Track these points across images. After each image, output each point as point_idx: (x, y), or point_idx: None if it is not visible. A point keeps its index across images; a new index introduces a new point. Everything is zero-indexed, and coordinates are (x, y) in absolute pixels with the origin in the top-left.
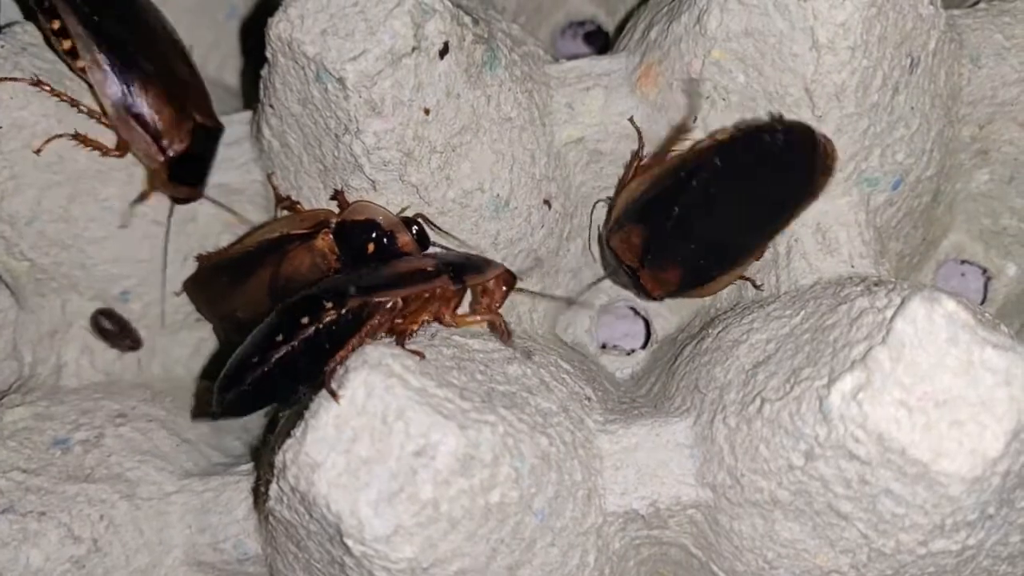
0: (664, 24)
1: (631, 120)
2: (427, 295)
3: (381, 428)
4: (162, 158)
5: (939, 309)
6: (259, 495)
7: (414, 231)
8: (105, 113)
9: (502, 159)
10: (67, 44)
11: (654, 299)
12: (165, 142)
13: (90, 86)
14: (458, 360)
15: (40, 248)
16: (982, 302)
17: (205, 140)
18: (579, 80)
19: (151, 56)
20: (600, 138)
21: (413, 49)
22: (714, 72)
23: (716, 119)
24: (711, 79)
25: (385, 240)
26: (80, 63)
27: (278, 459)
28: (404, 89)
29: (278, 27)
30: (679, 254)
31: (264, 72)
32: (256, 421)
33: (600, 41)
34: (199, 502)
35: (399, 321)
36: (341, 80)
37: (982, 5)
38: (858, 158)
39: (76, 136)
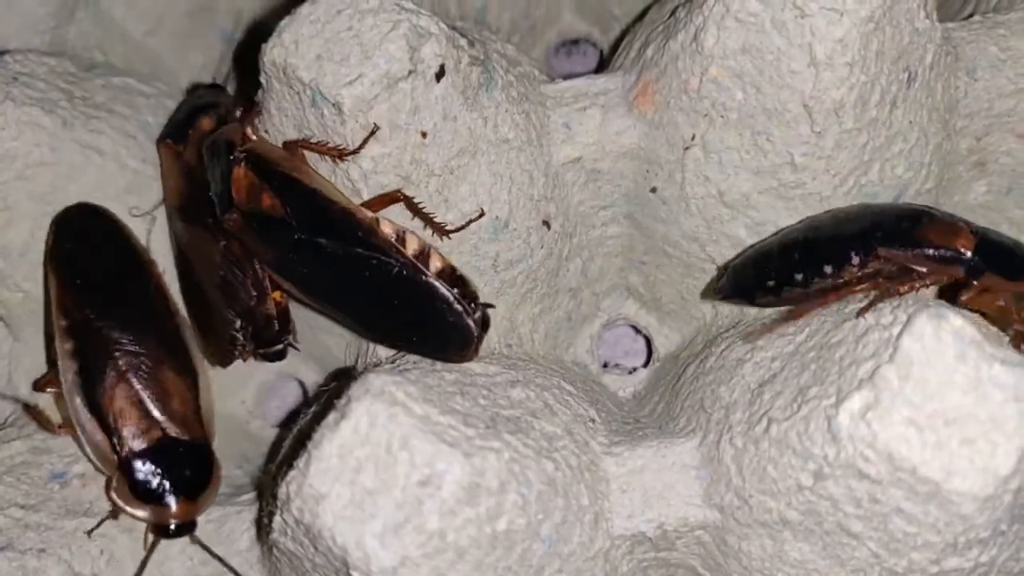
0: (660, 42)
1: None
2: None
3: (386, 458)
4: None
5: (946, 326)
6: (262, 526)
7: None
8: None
9: (500, 180)
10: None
11: None
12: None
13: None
14: (461, 385)
15: (35, 279)
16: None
17: (174, 454)
18: (576, 100)
19: (133, 349)
20: (598, 157)
21: (409, 73)
22: (712, 90)
23: (715, 136)
24: (709, 97)
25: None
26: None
27: (281, 491)
28: (401, 113)
29: (272, 52)
30: None
31: (258, 97)
32: (257, 450)
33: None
34: (201, 533)
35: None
36: (337, 105)
37: (977, 18)
38: (858, 173)
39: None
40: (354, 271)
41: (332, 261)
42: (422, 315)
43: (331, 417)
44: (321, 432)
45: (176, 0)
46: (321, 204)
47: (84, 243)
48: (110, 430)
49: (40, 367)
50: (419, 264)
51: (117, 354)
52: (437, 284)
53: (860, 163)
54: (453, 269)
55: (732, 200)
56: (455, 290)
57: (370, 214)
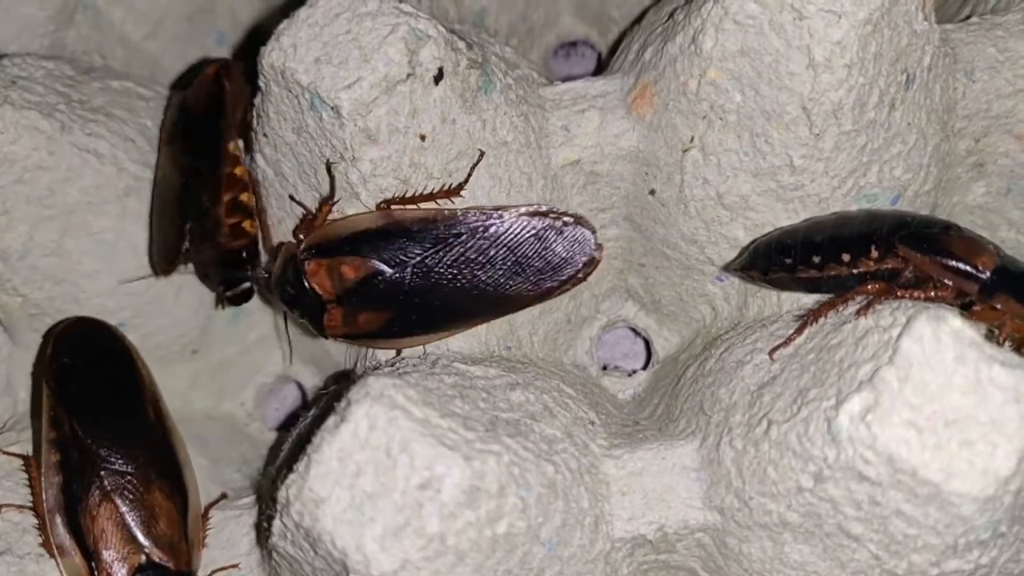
0: (659, 44)
1: None
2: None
3: (385, 461)
4: None
5: (945, 327)
6: (261, 530)
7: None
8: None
9: (499, 183)
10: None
11: None
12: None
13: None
14: (460, 388)
15: (33, 283)
16: None
17: None
18: (574, 102)
19: (121, 468)
20: (596, 160)
21: (408, 76)
22: (710, 92)
23: (713, 139)
24: (707, 99)
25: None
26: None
27: (281, 494)
28: (399, 116)
29: (271, 56)
30: None
31: (257, 101)
32: (256, 453)
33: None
34: None
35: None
36: (336, 108)
37: (974, 19)
38: (856, 175)
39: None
40: (465, 259)
41: (446, 267)
42: (543, 251)
43: (331, 420)
44: (320, 435)
45: (175, 3)
46: (394, 233)
47: (80, 358)
48: (89, 553)
49: None
50: (501, 212)
51: (103, 473)
52: (535, 219)
53: (859, 165)
54: (528, 205)
55: (731, 202)
56: (545, 209)
57: (434, 206)
